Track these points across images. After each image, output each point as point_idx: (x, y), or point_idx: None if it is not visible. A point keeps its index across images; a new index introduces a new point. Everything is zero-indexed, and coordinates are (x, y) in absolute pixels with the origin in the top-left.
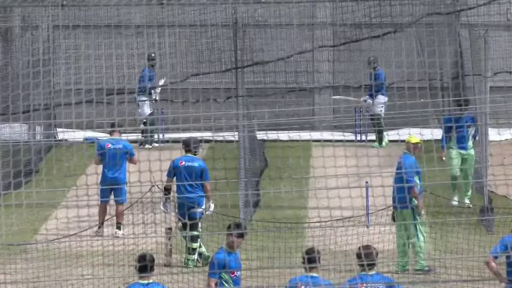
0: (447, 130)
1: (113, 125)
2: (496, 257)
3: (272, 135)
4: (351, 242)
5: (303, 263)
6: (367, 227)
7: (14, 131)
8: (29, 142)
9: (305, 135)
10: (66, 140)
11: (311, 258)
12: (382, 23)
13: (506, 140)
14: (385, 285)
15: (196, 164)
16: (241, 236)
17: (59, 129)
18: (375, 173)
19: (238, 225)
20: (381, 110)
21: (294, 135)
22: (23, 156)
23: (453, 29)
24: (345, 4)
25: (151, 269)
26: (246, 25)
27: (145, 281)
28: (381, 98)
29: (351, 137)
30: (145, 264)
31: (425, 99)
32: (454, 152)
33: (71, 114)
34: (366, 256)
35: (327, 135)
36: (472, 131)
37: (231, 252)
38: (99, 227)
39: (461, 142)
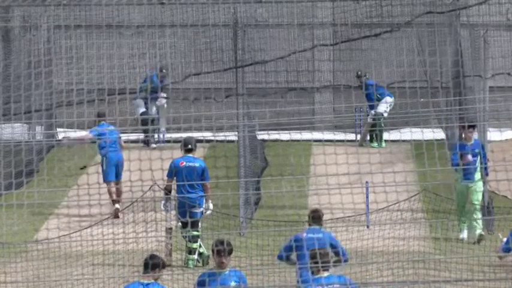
0: (455, 159)
1: (99, 115)
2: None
3: (273, 134)
4: (351, 240)
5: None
6: (367, 226)
7: (16, 131)
8: (30, 142)
9: (306, 134)
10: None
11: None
12: (382, 23)
13: (506, 139)
14: (340, 285)
15: (197, 164)
16: (220, 253)
17: (60, 129)
18: (376, 172)
19: (221, 243)
20: (385, 111)
21: (295, 134)
22: (24, 156)
23: (453, 28)
24: (345, 4)
25: (158, 271)
26: (246, 25)
27: (146, 281)
28: (388, 99)
29: (352, 136)
30: (153, 263)
31: (426, 99)
32: (459, 188)
33: (72, 114)
34: (321, 258)
35: (327, 134)
36: (478, 161)
37: (215, 273)
38: (114, 204)
39: (468, 172)
